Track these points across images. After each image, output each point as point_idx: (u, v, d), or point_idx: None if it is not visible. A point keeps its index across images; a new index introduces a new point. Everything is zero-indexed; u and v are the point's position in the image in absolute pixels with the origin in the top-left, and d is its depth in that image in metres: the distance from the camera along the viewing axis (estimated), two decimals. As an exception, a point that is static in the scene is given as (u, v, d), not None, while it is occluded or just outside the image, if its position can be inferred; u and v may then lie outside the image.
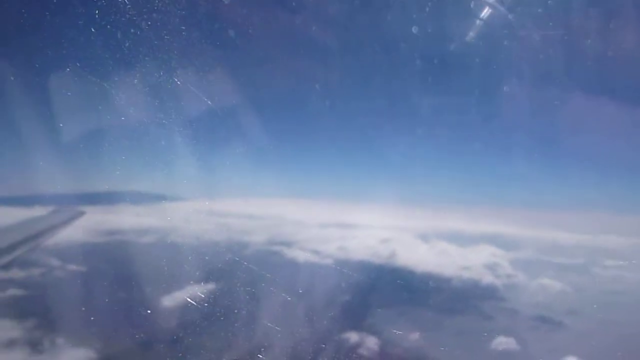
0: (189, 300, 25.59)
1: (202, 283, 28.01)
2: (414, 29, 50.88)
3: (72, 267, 42.72)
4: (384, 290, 48.40)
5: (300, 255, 58.12)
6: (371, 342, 30.11)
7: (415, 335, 33.71)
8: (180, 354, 25.07)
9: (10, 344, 26.80)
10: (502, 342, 32.91)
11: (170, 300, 28.67)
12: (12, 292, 34.03)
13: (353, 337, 30.56)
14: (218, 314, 25.95)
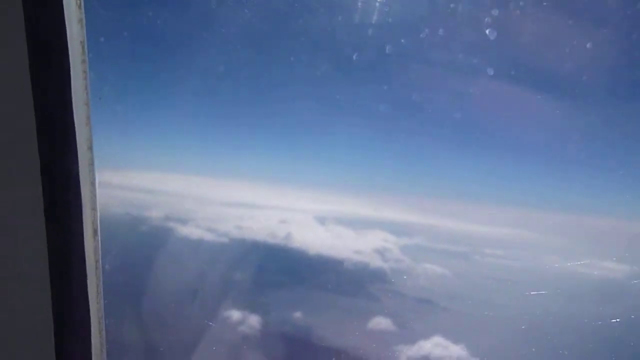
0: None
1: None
2: None
3: None
4: (275, 271, 48.76)
5: (194, 233, 56.95)
6: (254, 321, 30.32)
7: (299, 314, 34.37)
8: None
9: None
10: (381, 322, 34.46)
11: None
12: None
13: (235, 315, 30.59)
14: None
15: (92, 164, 2.58)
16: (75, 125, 2.35)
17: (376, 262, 58.78)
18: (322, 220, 74.08)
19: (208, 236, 59.07)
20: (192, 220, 65.66)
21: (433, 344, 29.59)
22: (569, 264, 73.88)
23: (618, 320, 43.10)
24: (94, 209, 2.59)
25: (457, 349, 29.45)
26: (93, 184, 2.66)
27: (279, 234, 65.74)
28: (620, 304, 52.53)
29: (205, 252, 47.46)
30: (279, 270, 48.90)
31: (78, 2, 2.23)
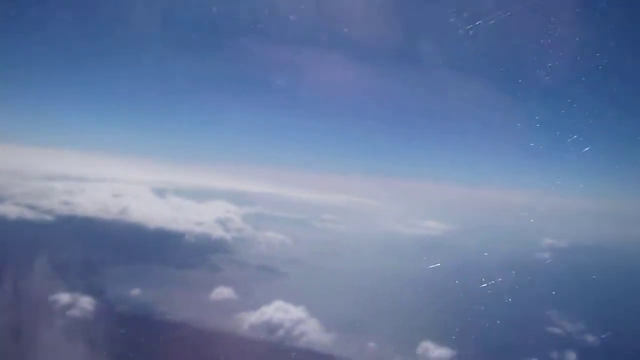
0: None
1: None
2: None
3: None
4: (111, 248, 46.07)
5: (12, 211, 51.14)
6: (86, 303, 28.38)
7: (137, 292, 33.07)
8: None
9: None
10: (223, 292, 34.67)
11: None
12: None
13: (64, 298, 28.32)
14: None
15: None
16: None
17: (218, 233, 58.64)
18: (160, 192, 71.35)
19: (29, 214, 53.55)
20: (9, 198, 58.83)
21: (275, 309, 30.63)
22: (396, 225, 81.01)
23: (437, 266, 48.68)
24: None
25: (297, 311, 30.84)
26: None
27: (113, 208, 61.98)
28: (438, 256, 59.27)
29: (26, 233, 43.00)
30: (114, 247, 46.15)
31: None
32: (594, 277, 55.84)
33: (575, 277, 54.38)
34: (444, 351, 29.33)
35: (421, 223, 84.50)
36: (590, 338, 36.51)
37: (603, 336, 36.34)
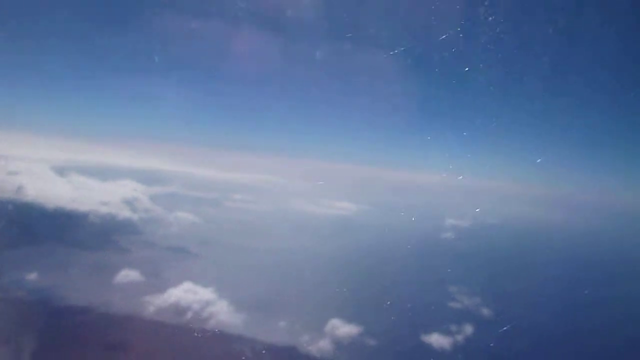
0: None
1: None
2: None
3: None
4: (5, 229, 42.91)
5: None
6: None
7: (35, 276, 31.14)
8: None
9: None
10: (129, 275, 33.53)
11: None
12: None
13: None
14: None
15: None
16: None
17: (125, 213, 56.33)
18: (61, 170, 67.20)
19: None
20: None
21: (183, 291, 30.11)
22: (308, 204, 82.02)
23: (347, 245, 49.87)
24: None
25: (206, 293, 30.54)
26: None
27: (9, 187, 57.49)
28: (349, 236, 60.91)
29: None
30: (9, 228, 42.99)
31: None
32: (492, 254, 60.12)
33: (475, 254, 58.22)
34: (351, 328, 30.33)
35: (332, 203, 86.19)
36: (485, 311, 39.19)
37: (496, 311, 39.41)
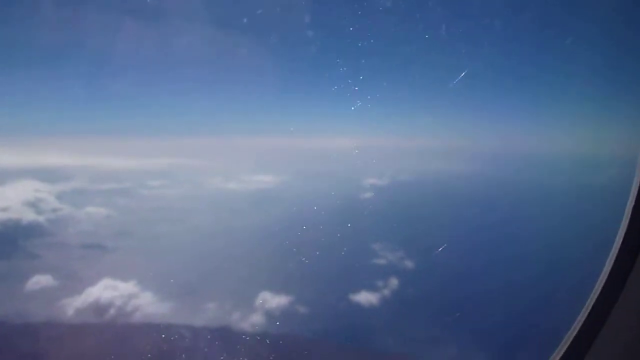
0: None
1: None
2: None
3: None
4: None
5: None
6: None
7: None
8: None
9: None
10: (40, 281, 31.53)
11: None
12: None
13: None
14: None
15: None
16: None
17: (29, 216, 52.62)
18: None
19: None
20: None
21: (102, 288, 28.79)
22: (230, 182, 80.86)
23: (270, 218, 49.84)
24: None
25: (128, 287, 29.41)
26: None
27: None
28: (271, 208, 60.77)
29: None
30: None
31: None
32: (411, 209, 62.40)
33: (395, 211, 60.17)
34: (281, 298, 30.54)
35: (252, 177, 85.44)
36: (408, 263, 40.80)
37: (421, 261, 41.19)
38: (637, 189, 2.49)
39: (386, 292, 34.10)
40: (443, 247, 43.35)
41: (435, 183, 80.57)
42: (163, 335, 23.64)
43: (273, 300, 30.10)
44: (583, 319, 2.69)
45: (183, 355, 20.97)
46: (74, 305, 27.26)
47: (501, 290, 35.25)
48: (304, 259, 39.26)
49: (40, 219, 52.20)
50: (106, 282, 29.21)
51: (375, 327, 30.31)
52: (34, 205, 54.93)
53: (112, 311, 27.08)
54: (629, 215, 2.49)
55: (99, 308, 27.08)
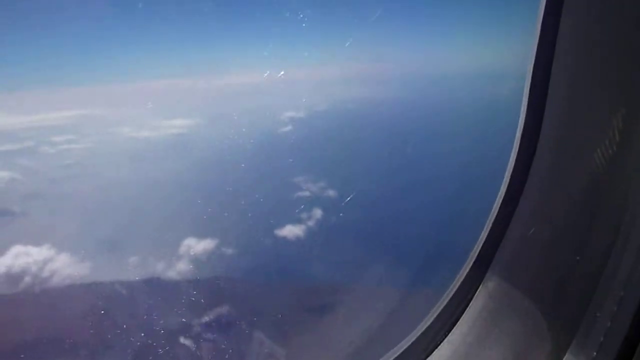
0: None
1: None
2: None
3: None
4: None
5: None
6: None
7: None
8: None
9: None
10: None
11: None
12: None
13: None
14: None
15: None
16: None
17: None
18: None
19: None
20: None
21: (13, 256, 27.26)
22: (142, 130, 77.66)
23: (185, 163, 48.63)
24: None
25: (42, 251, 28.02)
26: None
27: None
28: (186, 153, 59.36)
29: None
30: None
31: None
32: (329, 140, 62.95)
33: (314, 142, 60.53)
34: (206, 243, 30.40)
35: (166, 123, 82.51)
36: (331, 192, 41.58)
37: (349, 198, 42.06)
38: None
39: (311, 223, 34.80)
40: (359, 177, 44.67)
41: (349, 111, 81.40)
42: (84, 295, 23.07)
43: (198, 246, 29.91)
44: (485, 235, 2.81)
45: (109, 314, 20.58)
46: (-17, 278, 25.78)
47: (418, 210, 36.99)
48: (225, 200, 39.00)
49: None
50: (17, 248, 27.65)
51: (302, 259, 31.14)
52: None
53: (27, 279, 25.88)
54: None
55: (11, 277, 25.77)
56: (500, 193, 2.74)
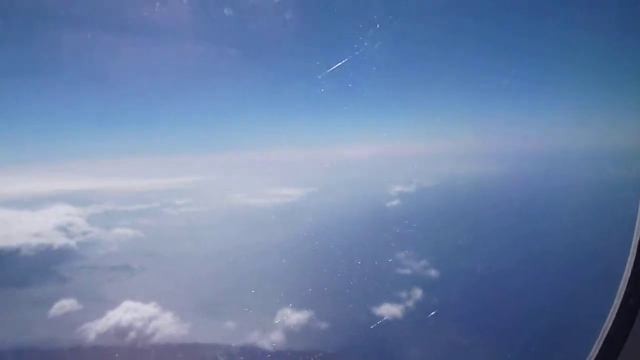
0: None
1: None
2: None
3: None
4: None
5: None
6: None
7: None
8: None
9: None
10: (65, 305, 32.14)
11: None
12: None
13: None
14: None
15: None
16: None
17: (61, 240, 53.93)
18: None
19: None
20: None
21: (123, 310, 29.16)
22: (254, 198, 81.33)
23: (294, 231, 49.48)
24: None
25: (148, 308, 29.69)
26: None
27: None
28: (295, 221, 60.71)
29: None
30: None
31: None
32: (436, 216, 61.43)
33: (421, 219, 59.32)
34: (301, 314, 30.34)
35: (276, 192, 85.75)
36: (433, 272, 40.04)
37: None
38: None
39: (410, 303, 33.58)
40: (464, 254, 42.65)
41: (458, 187, 79.16)
42: (181, 355, 23.78)
43: (293, 317, 29.96)
44: (612, 318, 2.62)
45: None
46: (95, 329, 27.70)
47: (529, 295, 34.27)
48: (326, 273, 38.96)
49: (71, 242, 53.47)
50: (127, 304, 29.59)
51: (397, 340, 29.80)
52: (65, 229, 56.34)
53: (131, 334, 27.41)
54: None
55: (118, 331, 27.44)
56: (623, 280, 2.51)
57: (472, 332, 29.89)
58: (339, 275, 38.16)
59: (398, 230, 53.60)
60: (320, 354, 27.02)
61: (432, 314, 32.84)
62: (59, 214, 61.64)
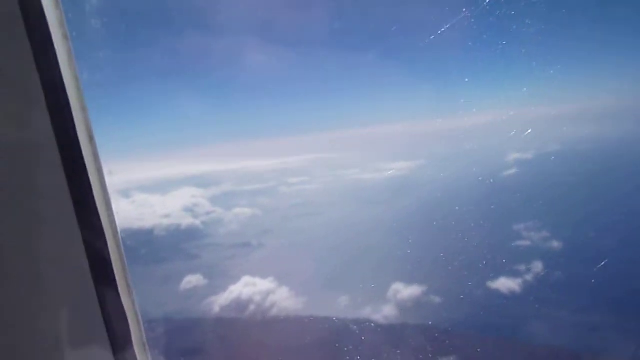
0: None
1: None
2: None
3: None
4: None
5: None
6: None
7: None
8: None
9: None
10: (191, 281, 34.75)
11: None
12: None
13: None
14: None
15: (97, 156, 2.10)
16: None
17: (187, 220, 58.27)
18: (125, 192, 70.68)
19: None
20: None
21: (243, 285, 30.90)
22: (367, 173, 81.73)
23: (407, 205, 49.10)
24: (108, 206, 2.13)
25: (266, 283, 31.18)
26: (102, 179, 2.17)
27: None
28: (409, 195, 60.04)
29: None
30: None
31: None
32: (559, 183, 57.36)
33: (542, 187, 55.79)
34: (414, 289, 30.09)
35: (388, 165, 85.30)
36: (555, 244, 37.58)
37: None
38: None
39: (529, 277, 31.83)
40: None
41: (582, 151, 72.94)
42: (297, 329, 24.76)
43: (406, 291, 29.81)
44: None
45: (315, 349, 21.68)
46: (218, 303, 29.77)
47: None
48: (441, 246, 38.15)
49: (197, 222, 57.61)
50: (246, 279, 31.31)
51: (515, 316, 28.53)
52: (191, 210, 60.76)
53: (251, 307, 29.02)
54: None
55: (239, 305, 29.19)
56: None
57: (603, 311, 27.75)
58: (453, 249, 37.26)
59: (516, 200, 50.95)
60: (434, 330, 26.71)
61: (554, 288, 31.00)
62: (185, 196, 66.50)
